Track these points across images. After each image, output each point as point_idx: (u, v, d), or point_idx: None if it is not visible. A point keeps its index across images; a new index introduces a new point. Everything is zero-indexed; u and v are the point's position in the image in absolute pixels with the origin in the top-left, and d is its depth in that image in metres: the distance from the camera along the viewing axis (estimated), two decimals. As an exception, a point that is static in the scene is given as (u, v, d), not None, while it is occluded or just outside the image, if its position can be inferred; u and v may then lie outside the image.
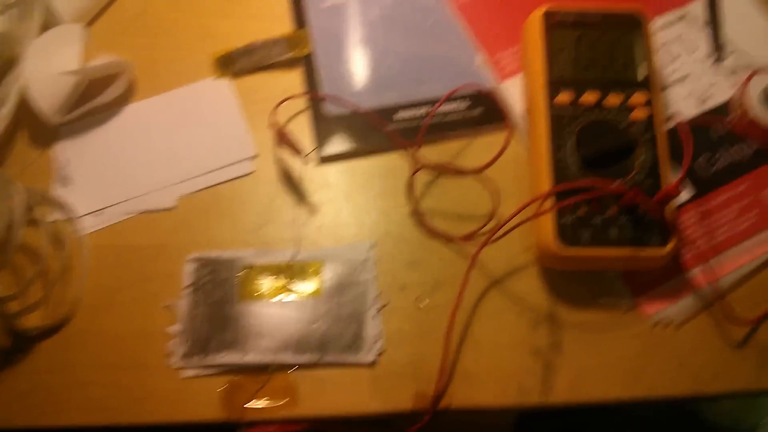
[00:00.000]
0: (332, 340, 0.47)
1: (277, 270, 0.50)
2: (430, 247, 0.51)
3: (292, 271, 0.49)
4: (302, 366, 0.47)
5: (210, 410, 0.46)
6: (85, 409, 0.46)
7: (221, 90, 0.58)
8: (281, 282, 0.49)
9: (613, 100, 0.49)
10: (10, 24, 0.56)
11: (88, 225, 0.53)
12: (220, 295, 0.49)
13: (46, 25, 0.56)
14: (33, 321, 0.48)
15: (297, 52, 0.58)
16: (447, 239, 0.51)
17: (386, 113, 0.55)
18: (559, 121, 0.49)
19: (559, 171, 0.47)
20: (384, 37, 0.59)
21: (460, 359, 0.47)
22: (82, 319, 0.49)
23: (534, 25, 0.52)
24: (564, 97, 0.49)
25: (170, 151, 0.55)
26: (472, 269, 0.47)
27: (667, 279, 0.49)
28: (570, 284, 0.49)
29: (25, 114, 0.55)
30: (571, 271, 0.49)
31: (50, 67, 0.54)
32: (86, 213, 0.53)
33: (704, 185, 0.51)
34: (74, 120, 0.56)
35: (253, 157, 0.55)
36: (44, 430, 0.47)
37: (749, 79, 0.52)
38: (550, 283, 0.49)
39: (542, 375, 0.46)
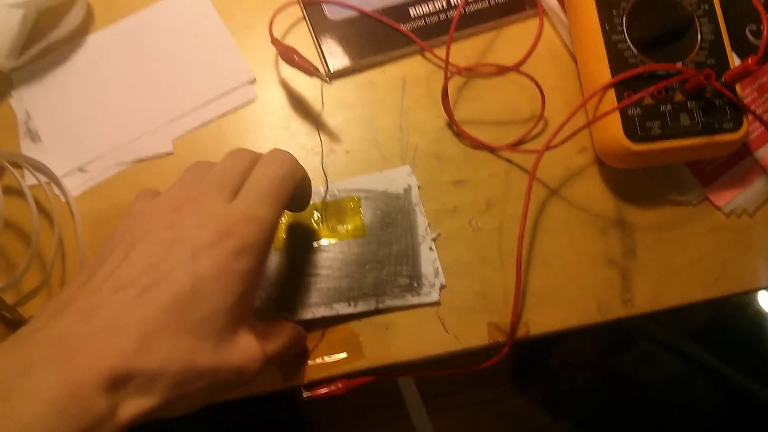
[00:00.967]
0: (388, 282, 0.41)
1: (312, 212, 0.43)
2: (475, 161, 0.45)
3: (328, 211, 0.43)
4: (361, 315, 0.41)
5: (266, 381, 0.40)
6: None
7: (198, 3, 0.49)
8: (319, 225, 0.43)
9: (664, -33, 0.43)
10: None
11: (72, 186, 0.45)
12: None
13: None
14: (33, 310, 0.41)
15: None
16: (493, 149, 0.45)
17: (397, 12, 0.48)
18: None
19: (615, 58, 0.42)
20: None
21: (529, 282, 0.42)
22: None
23: None
24: (610, -30, 0.43)
25: (152, 85, 0.47)
26: (532, 180, 0.41)
27: (732, 164, 0.45)
28: (634, 183, 0.44)
29: (-34, 62, 0.45)
30: (633, 169, 0.45)
31: (-12, 0, 0.44)
32: (67, 172, 0.45)
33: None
34: (28, 63, 0.47)
35: (252, 82, 0.47)
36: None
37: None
38: (613, 185, 0.44)
39: (620, 286, 0.42)
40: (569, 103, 0.46)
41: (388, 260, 0.42)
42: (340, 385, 0.40)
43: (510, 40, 0.48)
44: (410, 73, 0.47)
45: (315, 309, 0.41)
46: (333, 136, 0.45)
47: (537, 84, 0.44)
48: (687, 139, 0.41)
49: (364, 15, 0.47)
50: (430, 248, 0.42)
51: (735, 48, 0.43)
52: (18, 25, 0.45)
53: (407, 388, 1.19)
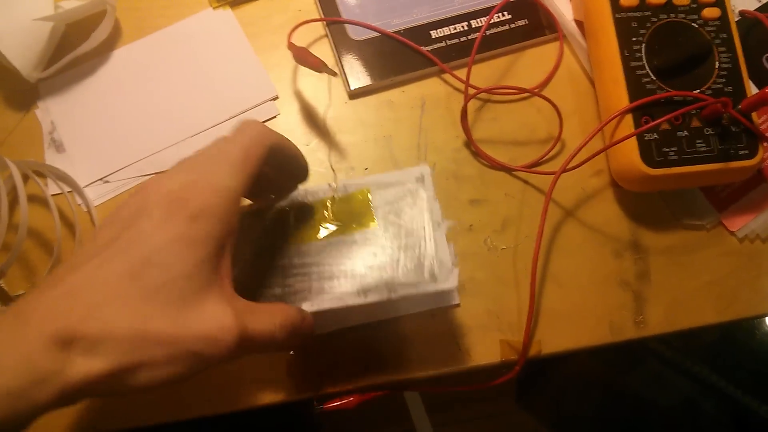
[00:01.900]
0: (401, 271, 0.40)
1: (321, 206, 0.42)
2: (492, 181, 0.46)
3: (337, 203, 0.42)
4: (375, 324, 0.42)
5: (275, 390, 0.41)
6: (129, 409, 0.41)
7: (225, 21, 0.50)
8: (328, 216, 0.42)
9: (682, -4, 0.44)
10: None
11: (95, 196, 0.46)
12: (265, 244, 0.41)
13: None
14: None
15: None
16: (510, 170, 0.46)
17: (418, 34, 0.49)
18: (626, 26, 0.43)
19: (633, 83, 0.42)
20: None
21: (543, 301, 0.43)
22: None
23: None
24: (629, -2, 0.44)
25: (177, 100, 0.48)
26: (548, 201, 0.42)
27: (747, 190, 0.45)
28: (649, 206, 0.45)
29: (-4, 73, 0.46)
30: (649, 193, 0.45)
31: (20, 14, 0.45)
32: (89, 182, 0.46)
33: (773, 83, 0.47)
34: (55, 74, 0.48)
35: (274, 99, 0.48)
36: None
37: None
38: (628, 208, 0.45)
39: (633, 308, 0.43)
40: (586, 126, 0.47)
41: (402, 249, 0.41)
42: (352, 398, 0.41)
43: (528, 63, 0.49)
44: (429, 94, 0.48)
45: (323, 301, 0.39)
46: (350, 154, 0.46)
47: (555, 107, 0.45)
48: (703, 165, 0.41)
49: (385, 36, 0.48)
50: (444, 237, 0.40)
51: (752, 77, 0.44)
52: (46, 38, 0.46)
53: (413, 402, 1.20)
